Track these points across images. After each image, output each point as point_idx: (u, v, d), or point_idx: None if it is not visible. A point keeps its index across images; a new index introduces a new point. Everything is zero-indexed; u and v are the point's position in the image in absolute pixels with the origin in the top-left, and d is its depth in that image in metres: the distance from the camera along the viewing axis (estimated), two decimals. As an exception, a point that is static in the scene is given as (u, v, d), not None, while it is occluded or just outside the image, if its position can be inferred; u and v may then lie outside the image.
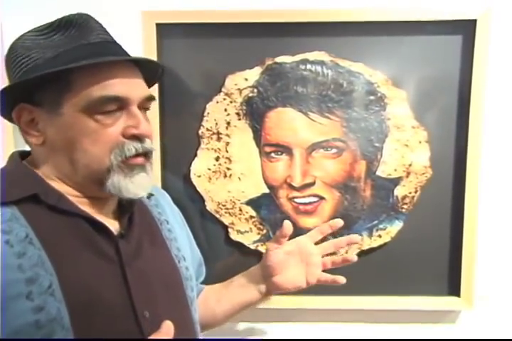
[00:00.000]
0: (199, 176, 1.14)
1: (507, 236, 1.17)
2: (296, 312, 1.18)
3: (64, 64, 0.72)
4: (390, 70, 1.11)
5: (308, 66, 1.10)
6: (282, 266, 0.97)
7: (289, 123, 1.11)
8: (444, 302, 1.17)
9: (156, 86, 1.07)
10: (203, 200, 1.15)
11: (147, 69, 0.81)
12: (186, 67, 1.12)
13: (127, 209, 0.82)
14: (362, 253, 1.15)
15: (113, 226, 0.79)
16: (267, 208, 1.15)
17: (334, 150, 1.12)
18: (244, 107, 1.12)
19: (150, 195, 0.89)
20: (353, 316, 1.19)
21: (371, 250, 1.16)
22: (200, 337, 0.91)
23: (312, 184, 1.13)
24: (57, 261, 0.70)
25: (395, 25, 1.09)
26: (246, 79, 1.11)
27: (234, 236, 1.16)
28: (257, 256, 1.11)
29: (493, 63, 1.10)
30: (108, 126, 0.74)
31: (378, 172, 1.13)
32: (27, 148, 0.81)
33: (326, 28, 1.09)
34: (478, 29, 1.07)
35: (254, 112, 1.12)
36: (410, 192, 1.14)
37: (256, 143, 1.13)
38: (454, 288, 1.16)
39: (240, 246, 1.16)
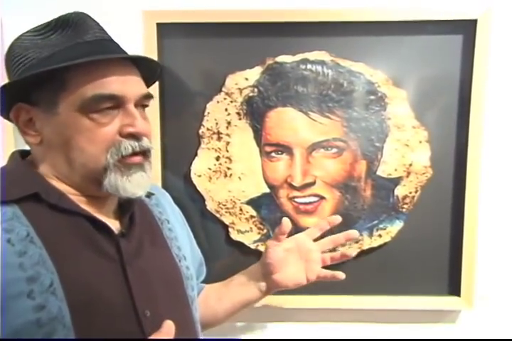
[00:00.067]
0: (199, 176, 1.14)
1: (507, 236, 1.17)
2: (296, 311, 1.18)
3: (59, 63, 0.71)
4: (391, 70, 1.11)
5: (309, 66, 1.10)
6: (282, 263, 0.97)
7: (289, 122, 1.11)
8: (444, 302, 1.17)
9: (157, 85, 1.07)
10: (203, 200, 1.15)
11: (146, 68, 0.81)
12: (187, 66, 1.12)
13: (127, 208, 0.82)
14: (362, 253, 1.15)
15: (114, 225, 0.79)
16: (268, 208, 1.14)
17: (334, 150, 1.12)
18: (245, 107, 1.12)
19: (150, 195, 0.89)
20: (353, 316, 1.19)
21: (371, 250, 1.15)
22: (201, 337, 0.91)
23: (312, 184, 1.13)
24: (58, 260, 0.70)
25: (395, 25, 1.09)
26: (246, 79, 1.11)
27: (234, 235, 1.16)
28: (258, 255, 1.10)
29: (494, 63, 1.10)
30: (104, 124, 0.74)
31: (379, 172, 1.13)
32: (27, 147, 0.81)
33: (326, 28, 1.09)
34: (478, 29, 1.07)
35: (255, 112, 1.12)
36: (411, 192, 1.14)
37: (256, 143, 1.13)
38: (454, 287, 1.16)
39: (240, 245, 1.16)
